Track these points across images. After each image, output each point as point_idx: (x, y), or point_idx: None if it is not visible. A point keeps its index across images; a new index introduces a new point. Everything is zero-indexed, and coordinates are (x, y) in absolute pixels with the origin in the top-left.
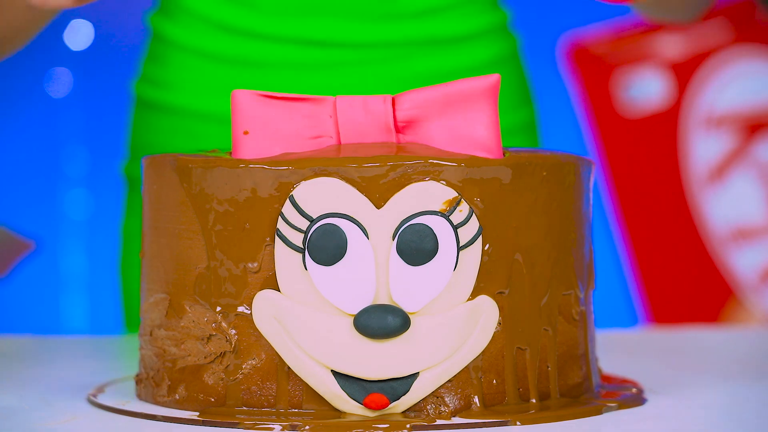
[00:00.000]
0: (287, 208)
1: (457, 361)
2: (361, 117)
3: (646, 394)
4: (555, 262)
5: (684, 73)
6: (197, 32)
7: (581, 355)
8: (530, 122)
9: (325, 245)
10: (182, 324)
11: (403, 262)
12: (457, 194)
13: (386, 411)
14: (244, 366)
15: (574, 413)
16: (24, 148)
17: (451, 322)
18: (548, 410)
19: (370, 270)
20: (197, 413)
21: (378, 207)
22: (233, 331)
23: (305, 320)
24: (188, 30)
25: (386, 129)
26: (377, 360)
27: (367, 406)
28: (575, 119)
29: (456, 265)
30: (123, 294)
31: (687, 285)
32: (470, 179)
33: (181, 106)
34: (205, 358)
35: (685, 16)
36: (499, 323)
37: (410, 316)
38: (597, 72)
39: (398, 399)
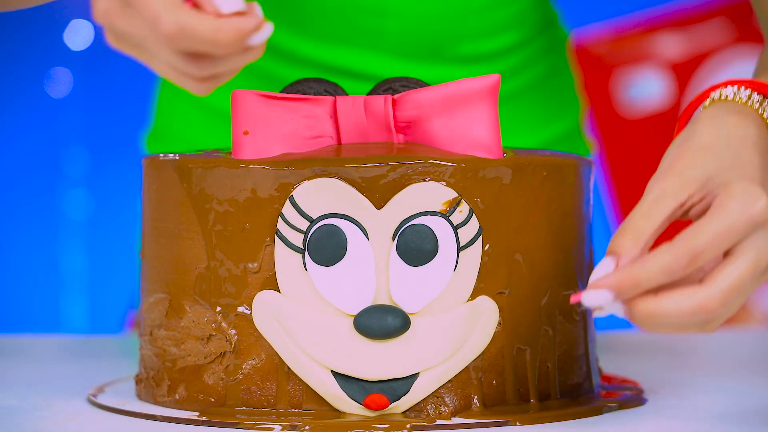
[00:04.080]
0: (287, 209)
1: (457, 362)
2: (361, 117)
3: (646, 394)
4: (555, 262)
5: (684, 73)
6: None
7: (581, 355)
8: (577, 127)
9: (325, 246)
10: (182, 324)
11: (403, 262)
12: (457, 194)
13: (386, 411)
14: (244, 366)
15: (574, 413)
16: (24, 148)
17: (451, 323)
18: (548, 410)
19: (370, 270)
20: (197, 413)
21: (378, 207)
22: (233, 331)
23: (305, 321)
24: None
25: (386, 129)
26: (377, 360)
27: (367, 406)
28: None
29: (456, 266)
30: None
31: None
32: (470, 179)
33: (212, 106)
34: (205, 358)
35: None
36: (499, 323)
37: (410, 316)
38: (597, 72)
39: (398, 399)
